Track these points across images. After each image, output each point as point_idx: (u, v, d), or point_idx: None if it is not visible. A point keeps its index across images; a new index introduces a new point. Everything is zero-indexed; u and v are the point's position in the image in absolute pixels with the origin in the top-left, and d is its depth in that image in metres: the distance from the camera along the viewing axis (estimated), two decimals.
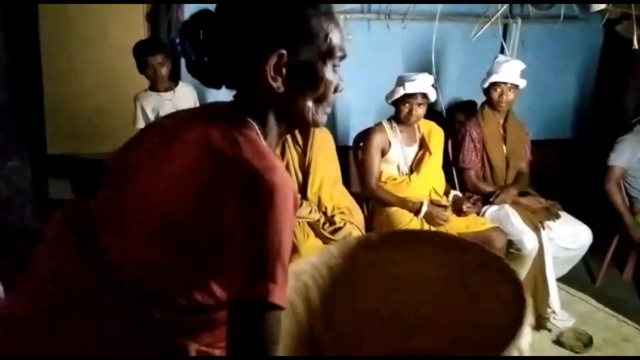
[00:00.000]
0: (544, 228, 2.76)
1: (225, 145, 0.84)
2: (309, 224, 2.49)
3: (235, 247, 0.79)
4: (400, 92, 2.60)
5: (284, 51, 0.88)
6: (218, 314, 0.85)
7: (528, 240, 2.65)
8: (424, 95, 2.66)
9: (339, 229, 2.49)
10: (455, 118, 3.58)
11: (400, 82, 2.64)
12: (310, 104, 0.93)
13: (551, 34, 3.83)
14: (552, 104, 4.24)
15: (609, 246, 3.13)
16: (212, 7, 0.95)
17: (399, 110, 2.69)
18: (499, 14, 2.91)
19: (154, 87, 2.91)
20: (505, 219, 2.76)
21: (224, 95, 1.03)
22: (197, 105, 3.01)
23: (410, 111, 2.66)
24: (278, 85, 0.89)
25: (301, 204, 2.53)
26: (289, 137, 2.58)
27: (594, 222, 2.91)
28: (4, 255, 2.22)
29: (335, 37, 0.92)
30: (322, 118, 0.96)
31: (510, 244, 2.69)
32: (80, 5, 4.22)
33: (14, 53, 2.98)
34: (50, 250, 0.89)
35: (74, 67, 4.48)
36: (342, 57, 0.95)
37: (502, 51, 3.98)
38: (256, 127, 0.90)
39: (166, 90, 2.91)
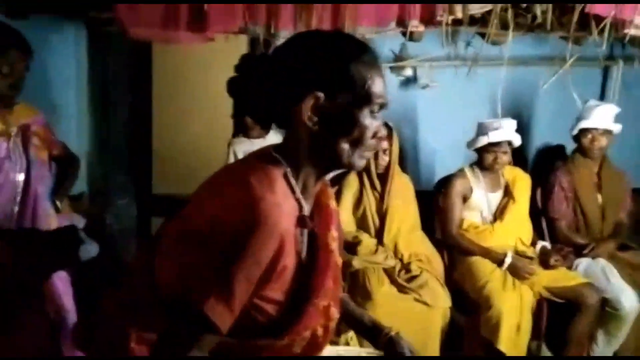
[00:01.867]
0: None
1: (242, 173, 0.95)
2: (385, 270, 2.50)
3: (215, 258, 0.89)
4: (484, 140, 2.57)
5: (321, 94, 0.94)
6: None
7: (626, 298, 2.44)
8: (509, 143, 2.60)
9: (415, 277, 2.47)
10: (548, 165, 3.42)
11: (484, 130, 2.60)
12: (345, 146, 0.96)
13: None
14: None
15: None
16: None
17: (483, 157, 2.65)
18: (570, 60, 2.79)
19: (246, 133, 3.13)
20: (600, 274, 2.56)
21: None
22: None
23: (495, 159, 2.61)
24: (313, 125, 0.95)
25: (377, 250, 2.55)
26: (366, 182, 2.64)
27: None
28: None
29: (375, 86, 0.96)
30: (359, 162, 0.99)
31: (605, 302, 2.48)
32: (189, 56, 4.67)
33: (130, 104, 3.38)
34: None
35: (182, 114, 4.93)
36: (382, 105, 0.99)
37: (602, 95, 3.77)
38: (285, 165, 0.97)
39: (258, 137, 3.12)
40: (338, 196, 2.71)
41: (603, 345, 2.55)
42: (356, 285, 2.48)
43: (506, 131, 2.58)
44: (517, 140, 2.62)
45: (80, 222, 2.94)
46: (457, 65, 3.53)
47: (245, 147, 3.10)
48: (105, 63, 3.23)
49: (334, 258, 1.04)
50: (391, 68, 3.52)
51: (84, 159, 3.25)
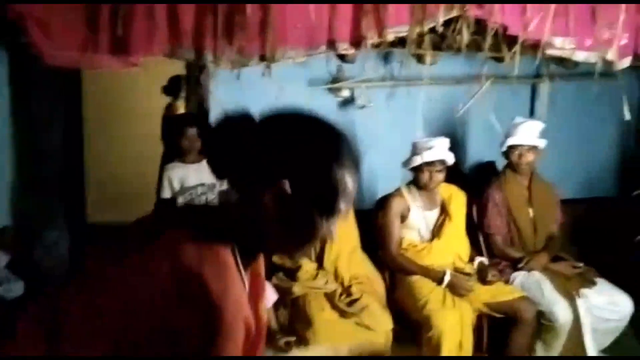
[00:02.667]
0: (579, 296, 2.61)
1: (192, 262, 0.85)
2: (326, 295, 2.46)
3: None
4: (418, 160, 2.60)
5: (287, 186, 0.88)
6: None
7: (560, 310, 2.50)
8: (442, 162, 2.64)
9: (356, 300, 2.44)
10: (483, 180, 3.52)
11: (417, 150, 2.64)
12: (288, 245, 0.95)
13: (583, 90, 3.75)
14: (592, 161, 4.09)
15: None
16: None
17: (418, 177, 2.68)
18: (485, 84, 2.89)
19: (181, 158, 3.05)
20: (535, 287, 2.62)
21: None
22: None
23: (430, 178, 2.65)
24: (270, 212, 0.89)
25: (317, 275, 2.52)
26: None
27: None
28: None
29: (344, 198, 0.91)
30: (298, 257, 0.96)
31: (541, 314, 2.54)
32: (120, 79, 4.54)
33: (60, 128, 3.21)
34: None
35: (115, 139, 4.77)
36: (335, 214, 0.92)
37: (532, 111, 3.93)
38: (233, 245, 0.90)
39: (194, 162, 3.03)
40: None
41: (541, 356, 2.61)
42: (297, 311, 2.44)
43: (439, 150, 2.62)
44: (450, 159, 2.67)
45: (2, 258, 2.75)
46: (392, 85, 3.60)
47: (180, 172, 3.01)
48: (30, 89, 3.07)
49: (265, 327, 1.04)
50: (329, 89, 3.55)
51: (7, 190, 3.07)
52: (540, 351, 2.61)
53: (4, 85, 2.98)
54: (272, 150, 0.91)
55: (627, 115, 2.27)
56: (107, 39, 1.90)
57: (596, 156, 4.08)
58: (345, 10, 2.14)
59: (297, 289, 2.45)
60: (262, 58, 2.26)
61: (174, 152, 3.54)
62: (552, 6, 2.20)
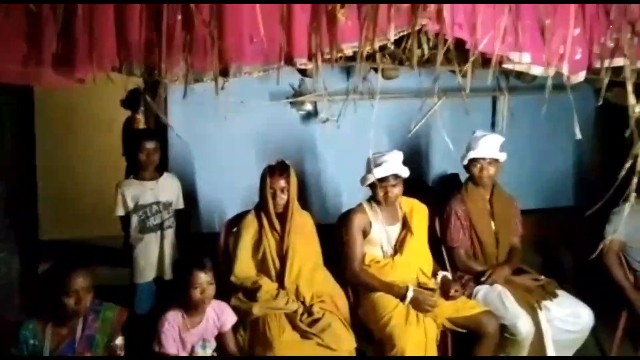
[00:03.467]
0: (540, 309, 2.61)
1: None
2: (286, 315, 2.40)
3: None
4: (371, 178, 2.58)
5: None
6: None
7: (522, 324, 2.50)
8: (396, 176, 2.62)
9: (318, 320, 2.39)
10: (447, 193, 3.53)
11: (369, 166, 2.61)
12: None
13: (542, 103, 3.81)
14: (550, 171, 4.18)
15: (619, 321, 2.94)
16: None
17: (375, 193, 2.65)
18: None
19: (137, 175, 2.94)
20: (497, 300, 2.62)
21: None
22: (180, 198, 3.01)
23: (385, 193, 2.62)
24: None
25: (277, 294, 2.45)
26: (265, 222, 2.55)
27: (601, 295, 2.76)
28: None
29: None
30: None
31: (504, 328, 2.53)
32: (75, 93, 4.41)
33: (10, 143, 3.07)
34: None
35: (70, 155, 4.63)
36: None
37: (493, 124, 3.99)
38: None
39: (150, 179, 2.93)
40: (237, 238, 2.60)
41: None
42: (256, 333, 2.36)
43: (391, 165, 2.60)
44: (404, 172, 2.65)
45: None
46: (355, 99, 3.58)
47: (135, 189, 2.90)
48: None
49: None
50: (291, 103, 3.51)
51: None
52: None
53: None
54: None
55: (578, 134, 2.31)
56: (50, 54, 1.81)
57: (553, 167, 4.17)
58: (301, 24, 2.10)
59: (256, 310, 2.38)
60: (219, 73, 2.19)
61: (131, 168, 3.43)
62: (506, 21, 2.21)
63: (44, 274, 2.43)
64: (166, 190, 2.92)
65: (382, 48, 2.82)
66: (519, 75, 3.61)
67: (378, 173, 2.55)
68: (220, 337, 2.32)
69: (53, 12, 1.75)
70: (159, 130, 3.25)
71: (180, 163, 3.45)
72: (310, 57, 2.25)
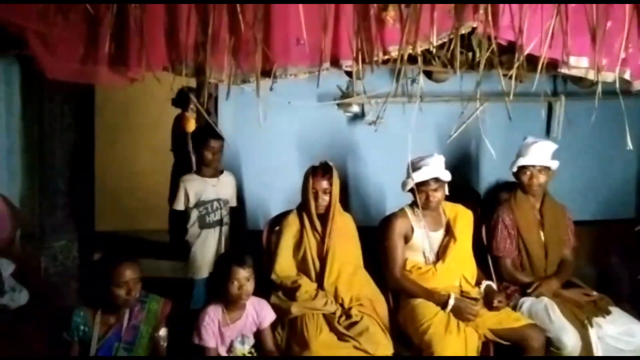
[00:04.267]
0: (591, 325, 2.49)
1: None
2: (324, 316, 2.40)
3: None
4: (410, 183, 2.54)
5: None
6: None
7: (568, 338, 2.39)
8: (437, 180, 2.56)
9: (356, 323, 2.37)
10: (497, 200, 3.42)
11: (409, 172, 2.57)
12: None
13: (600, 109, 3.64)
14: (610, 181, 3.97)
15: None
16: None
17: (416, 197, 2.61)
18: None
19: (199, 171, 3.02)
20: (543, 313, 2.52)
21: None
22: (235, 196, 3.11)
23: (427, 198, 2.57)
24: None
25: (316, 295, 2.46)
26: (307, 223, 2.57)
27: None
28: None
29: None
30: None
31: (549, 341, 2.43)
32: (133, 89, 4.59)
33: (71, 138, 3.24)
34: None
35: (126, 149, 4.83)
36: None
37: (547, 130, 3.83)
38: None
39: (212, 176, 3.02)
40: (278, 238, 2.63)
41: None
42: (294, 332, 2.38)
43: (431, 169, 2.55)
44: (445, 176, 2.59)
45: (8, 267, 2.76)
46: (404, 102, 3.54)
47: (197, 186, 2.97)
48: (41, 100, 3.10)
49: None
50: (338, 104, 3.51)
51: (15, 199, 3.10)
52: None
53: (16, 96, 3.02)
54: None
55: (629, 145, 2.19)
56: (105, 53, 1.90)
57: (613, 176, 3.96)
58: (347, 26, 2.10)
59: (295, 309, 2.40)
60: (265, 74, 2.23)
61: (185, 165, 3.53)
62: (560, 24, 2.12)
63: (94, 264, 2.55)
64: (225, 188, 3.02)
65: (431, 51, 2.79)
66: (578, 80, 3.46)
67: (418, 177, 2.51)
68: (258, 334, 2.35)
69: (107, 13, 1.84)
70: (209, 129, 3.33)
71: (229, 161, 3.53)
72: (357, 59, 2.26)
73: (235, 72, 2.19)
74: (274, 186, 3.53)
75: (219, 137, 2.96)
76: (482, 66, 2.02)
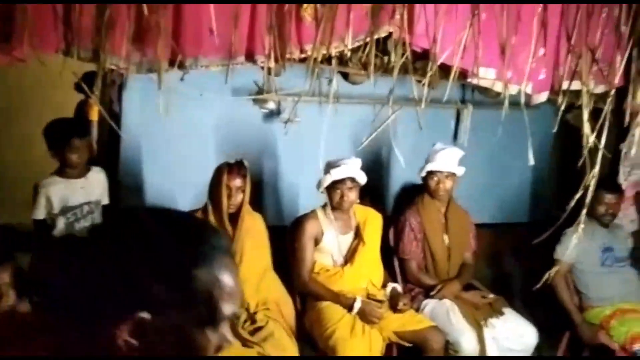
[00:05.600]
0: (486, 326, 2.61)
1: None
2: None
3: None
4: (328, 179, 2.53)
5: (146, 315, 0.67)
6: None
7: (466, 341, 2.49)
8: (353, 180, 2.57)
9: (261, 328, 2.31)
10: (405, 203, 3.51)
11: (328, 169, 2.57)
12: None
13: (503, 119, 3.84)
14: (507, 187, 4.22)
15: (561, 341, 2.98)
16: None
17: (331, 196, 2.60)
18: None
19: (62, 172, 2.59)
20: (444, 316, 2.61)
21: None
22: (106, 192, 2.75)
23: (342, 197, 2.57)
24: (129, 349, 0.67)
25: None
26: (215, 222, 2.45)
27: (547, 313, 2.79)
28: None
29: (224, 298, 0.72)
30: None
31: (448, 343, 2.52)
32: (26, 76, 4.20)
33: None
34: None
35: (21, 138, 4.40)
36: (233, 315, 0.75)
37: (455, 136, 3.99)
38: None
39: (78, 176, 2.61)
40: None
41: None
42: None
43: (349, 168, 2.55)
44: (361, 178, 2.61)
45: None
46: (321, 101, 3.52)
47: (61, 190, 2.56)
48: None
49: None
50: (254, 100, 3.41)
51: None
52: None
53: None
54: (118, 272, 0.68)
55: (531, 160, 2.32)
56: None
57: (510, 182, 4.21)
58: (264, 21, 2.02)
59: None
60: (173, 64, 2.09)
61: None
62: (471, 36, 2.19)
63: None
64: (95, 187, 2.66)
65: (352, 52, 2.78)
66: (484, 90, 3.63)
67: (336, 174, 2.50)
68: None
69: None
70: (111, 117, 3.08)
71: (131, 154, 3.31)
72: (269, 55, 2.19)
73: (140, 60, 2.04)
74: (182, 182, 3.36)
75: (84, 135, 2.61)
76: (396, 71, 2.03)
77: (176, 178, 3.35)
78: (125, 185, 3.25)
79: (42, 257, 0.77)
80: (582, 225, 2.28)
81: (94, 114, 3.91)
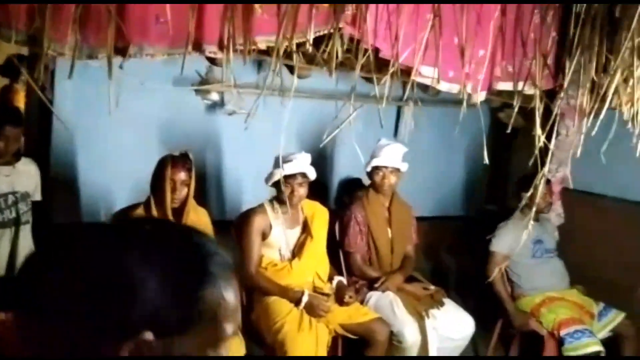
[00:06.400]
0: (428, 317, 2.70)
1: None
2: None
3: None
4: (279, 174, 2.51)
5: (150, 336, 0.62)
6: None
7: (409, 332, 2.57)
8: (304, 175, 2.57)
9: None
10: (347, 197, 3.56)
11: (278, 163, 2.54)
12: None
13: (442, 116, 3.99)
14: (444, 182, 4.38)
15: (494, 330, 3.15)
16: None
17: (280, 191, 2.58)
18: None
19: None
20: (388, 307, 2.67)
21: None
22: (39, 188, 2.62)
23: (292, 192, 2.56)
24: None
25: None
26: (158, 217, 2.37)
27: (483, 302, 2.92)
28: None
29: (227, 320, 0.68)
30: None
31: (392, 334, 2.59)
32: None
33: None
34: None
35: None
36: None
37: (396, 132, 4.09)
38: None
39: (6, 164, 2.46)
40: None
41: None
42: None
43: (300, 163, 2.55)
44: (311, 173, 2.62)
45: None
46: (264, 94, 3.48)
47: None
48: None
49: None
50: (196, 91, 3.32)
51: None
52: None
53: None
54: (122, 288, 0.63)
55: (487, 159, 2.42)
56: None
57: (446, 178, 4.39)
58: (214, 11, 1.97)
59: None
60: (117, 51, 1.99)
61: None
62: (424, 36, 2.24)
63: None
64: (24, 178, 2.52)
65: (298, 46, 2.76)
66: (425, 88, 3.74)
67: (287, 169, 2.48)
68: None
69: None
70: (42, 105, 2.89)
71: (63, 146, 3.12)
72: (221, 46, 2.13)
73: (81, 46, 1.92)
74: (119, 175, 3.22)
75: (17, 123, 2.47)
76: (358, 70, 2.04)
77: (112, 171, 3.21)
78: (56, 179, 3.07)
79: (35, 254, 0.69)
80: (531, 222, 2.38)
81: (19, 100, 3.65)
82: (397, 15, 2.34)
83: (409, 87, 3.59)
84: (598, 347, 2.72)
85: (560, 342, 2.79)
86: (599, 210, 3.50)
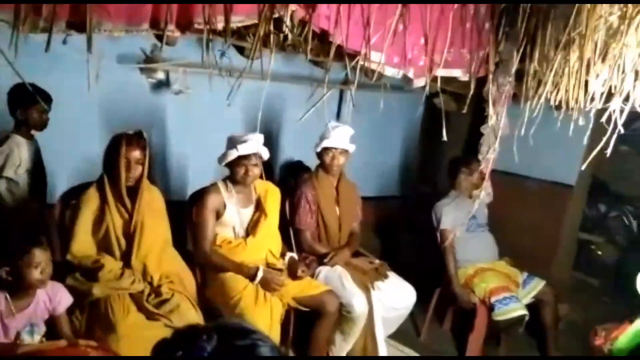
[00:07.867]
0: (373, 289, 2.87)
1: None
2: (131, 296, 2.25)
3: None
4: (234, 154, 2.55)
5: None
6: None
7: (357, 302, 2.72)
8: (258, 156, 2.63)
9: (166, 300, 2.29)
10: (291, 177, 3.65)
11: (233, 144, 2.58)
12: None
13: (380, 101, 4.15)
14: (382, 164, 4.59)
15: (431, 301, 3.38)
16: None
17: (234, 171, 2.62)
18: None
19: None
20: (337, 281, 2.81)
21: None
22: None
23: (246, 172, 2.61)
24: None
25: (122, 274, 2.29)
26: (111, 197, 2.34)
27: (417, 275, 3.12)
28: None
29: None
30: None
31: (341, 306, 2.73)
32: None
33: None
34: None
35: None
36: None
37: (338, 115, 4.22)
38: None
39: None
40: (75, 213, 2.35)
41: (339, 345, 2.81)
42: (96, 316, 2.18)
43: (255, 144, 2.61)
44: (265, 154, 2.68)
45: None
46: (211, 73, 3.46)
47: None
48: None
49: None
50: (141, 69, 3.25)
51: None
52: (338, 340, 2.81)
53: None
54: None
55: (445, 136, 2.59)
56: None
57: (383, 160, 4.60)
58: None
59: (97, 291, 2.20)
60: (73, 26, 1.95)
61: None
62: (371, 22, 2.36)
63: None
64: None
65: (247, 28, 2.79)
66: (366, 72, 3.88)
67: (242, 150, 2.52)
68: (53, 321, 2.08)
69: None
70: None
71: (0, 125, 2.97)
72: (179, 25, 2.14)
73: (33, 18, 1.86)
74: (59, 154, 3.10)
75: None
76: (331, 56, 2.12)
77: (53, 150, 3.08)
78: None
79: None
80: (471, 200, 2.49)
81: None
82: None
83: (355, 70, 3.73)
84: (523, 311, 3.02)
85: (490, 308, 3.06)
86: (523, 190, 3.83)
